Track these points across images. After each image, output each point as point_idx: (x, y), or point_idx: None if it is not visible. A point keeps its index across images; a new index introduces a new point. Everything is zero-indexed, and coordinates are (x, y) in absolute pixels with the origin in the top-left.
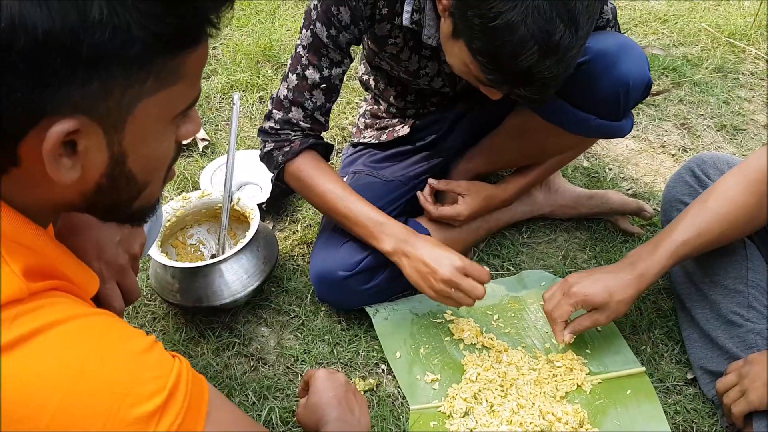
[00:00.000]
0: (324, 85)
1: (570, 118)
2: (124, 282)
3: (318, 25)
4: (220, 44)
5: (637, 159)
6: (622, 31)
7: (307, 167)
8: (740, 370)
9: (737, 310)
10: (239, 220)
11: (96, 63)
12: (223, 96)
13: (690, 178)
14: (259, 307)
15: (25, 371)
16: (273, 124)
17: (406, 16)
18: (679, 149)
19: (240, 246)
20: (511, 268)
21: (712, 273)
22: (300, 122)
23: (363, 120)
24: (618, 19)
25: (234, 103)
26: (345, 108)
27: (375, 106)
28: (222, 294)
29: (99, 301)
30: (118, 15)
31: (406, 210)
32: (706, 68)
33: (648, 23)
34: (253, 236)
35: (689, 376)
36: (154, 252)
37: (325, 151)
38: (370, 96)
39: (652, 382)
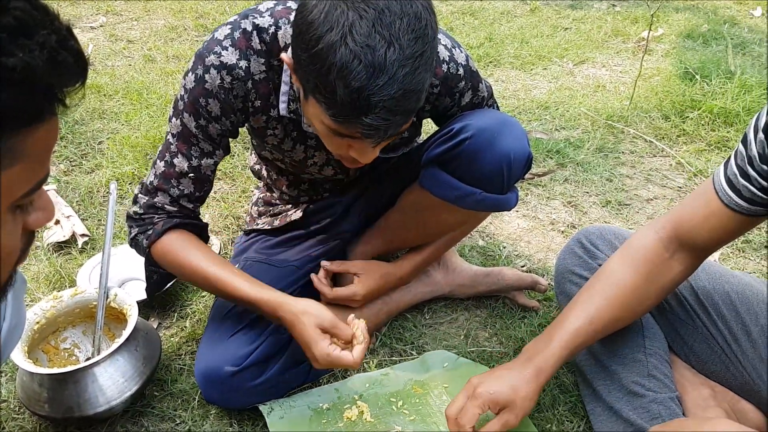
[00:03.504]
0: (192, 175)
1: (457, 192)
2: None
3: (186, 115)
4: (107, 138)
5: (529, 237)
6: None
7: (173, 246)
8: None
9: (638, 380)
10: (118, 318)
11: None
12: (106, 190)
13: (579, 249)
14: (140, 414)
15: None
16: (138, 209)
17: (282, 106)
18: (567, 226)
19: (114, 347)
20: (413, 352)
21: (611, 343)
22: (165, 206)
23: (256, 208)
24: (498, 100)
25: (111, 193)
26: (240, 197)
27: (268, 194)
28: (96, 401)
29: None
30: None
31: (302, 295)
32: (588, 149)
33: (531, 110)
34: (131, 334)
35: None
36: (18, 358)
37: (197, 231)
38: (262, 184)
39: None
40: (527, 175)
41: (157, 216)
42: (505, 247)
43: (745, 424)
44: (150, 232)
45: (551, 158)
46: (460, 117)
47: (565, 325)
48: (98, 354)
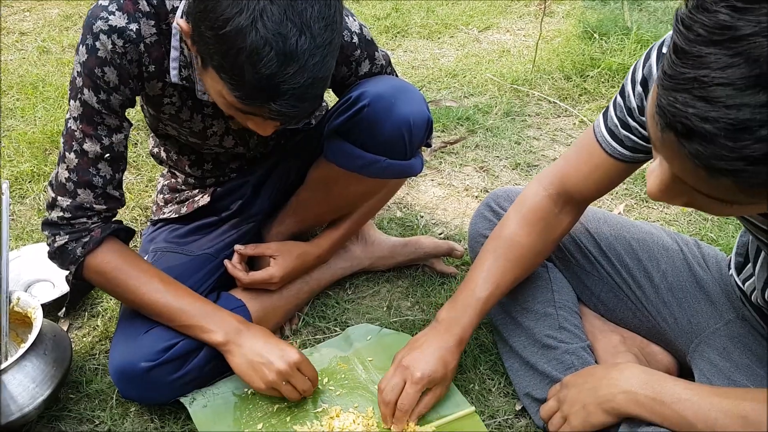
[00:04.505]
0: (108, 155)
1: (361, 161)
2: None
3: (86, 91)
4: (3, 136)
5: (445, 204)
6: (418, 88)
7: (112, 259)
8: (558, 395)
9: (550, 333)
10: (24, 322)
11: None
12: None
13: (488, 213)
14: (57, 418)
15: None
16: (62, 213)
17: (173, 72)
18: (481, 190)
19: (20, 353)
20: (337, 328)
21: (522, 300)
22: (93, 205)
23: (162, 196)
24: (407, 71)
25: (3, 193)
26: (147, 186)
27: (172, 180)
28: (8, 410)
29: None
30: None
31: (220, 285)
32: (496, 114)
33: (440, 79)
34: (38, 338)
35: (518, 408)
36: None
37: (126, 237)
38: (166, 170)
39: (483, 420)
40: (440, 144)
41: (90, 220)
42: (422, 217)
43: (655, 365)
44: (86, 239)
45: (462, 125)
46: (356, 85)
47: (476, 292)
48: (6, 361)
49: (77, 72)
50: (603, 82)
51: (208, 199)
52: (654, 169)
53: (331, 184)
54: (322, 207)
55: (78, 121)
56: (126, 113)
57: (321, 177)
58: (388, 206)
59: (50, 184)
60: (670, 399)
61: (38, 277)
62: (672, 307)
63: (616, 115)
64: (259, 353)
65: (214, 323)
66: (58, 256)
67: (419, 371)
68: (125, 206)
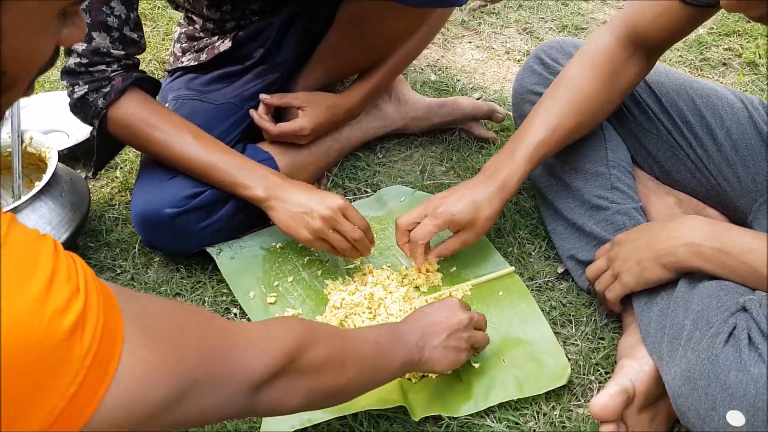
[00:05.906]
0: None
1: None
2: None
3: None
4: None
5: (484, 68)
6: None
7: (137, 110)
8: (609, 254)
9: (601, 194)
10: (38, 167)
11: None
12: None
13: (538, 66)
14: None
15: None
16: (79, 59)
17: None
18: (524, 54)
19: (35, 190)
20: (368, 190)
21: (572, 160)
22: (111, 50)
23: (179, 45)
24: None
25: None
26: (164, 39)
27: (190, 27)
28: None
29: None
30: None
31: (245, 137)
32: None
33: None
34: (53, 179)
35: (560, 271)
36: None
37: (153, 88)
38: (182, 17)
39: (523, 281)
40: (478, 3)
41: (109, 68)
42: (459, 80)
43: None
44: (107, 90)
45: None
46: None
47: (528, 137)
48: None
49: None
50: None
51: (230, 44)
52: None
53: (364, 22)
54: (353, 51)
55: None
56: None
57: (352, 15)
58: (422, 69)
59: None
60: (738, 250)
61: (52, 128)
62: (735, 166)
63: None
64: (299, 203)
65: (253, 178)
66: (79, 109)
67: (442, 208)
68: (141, 59)
